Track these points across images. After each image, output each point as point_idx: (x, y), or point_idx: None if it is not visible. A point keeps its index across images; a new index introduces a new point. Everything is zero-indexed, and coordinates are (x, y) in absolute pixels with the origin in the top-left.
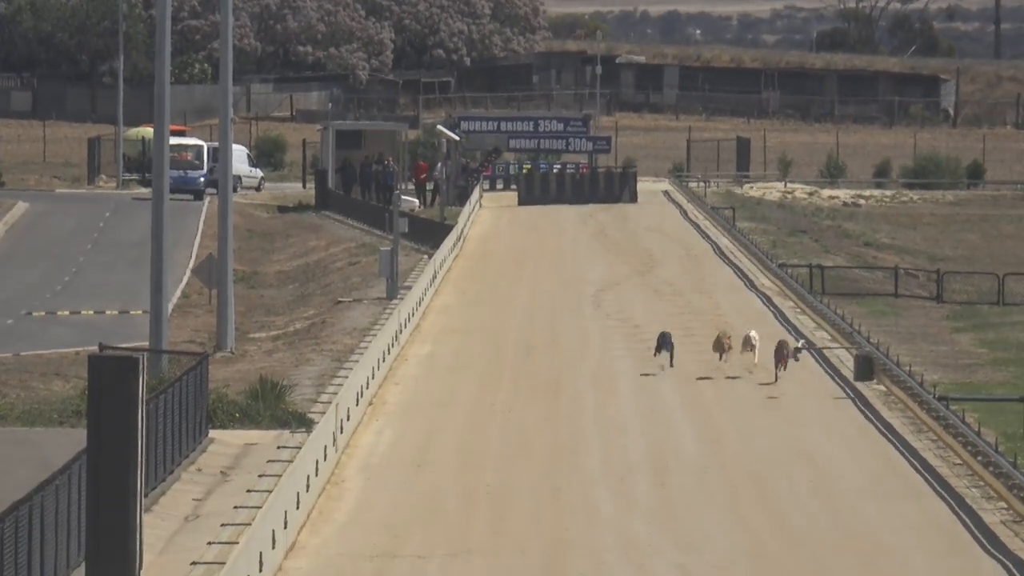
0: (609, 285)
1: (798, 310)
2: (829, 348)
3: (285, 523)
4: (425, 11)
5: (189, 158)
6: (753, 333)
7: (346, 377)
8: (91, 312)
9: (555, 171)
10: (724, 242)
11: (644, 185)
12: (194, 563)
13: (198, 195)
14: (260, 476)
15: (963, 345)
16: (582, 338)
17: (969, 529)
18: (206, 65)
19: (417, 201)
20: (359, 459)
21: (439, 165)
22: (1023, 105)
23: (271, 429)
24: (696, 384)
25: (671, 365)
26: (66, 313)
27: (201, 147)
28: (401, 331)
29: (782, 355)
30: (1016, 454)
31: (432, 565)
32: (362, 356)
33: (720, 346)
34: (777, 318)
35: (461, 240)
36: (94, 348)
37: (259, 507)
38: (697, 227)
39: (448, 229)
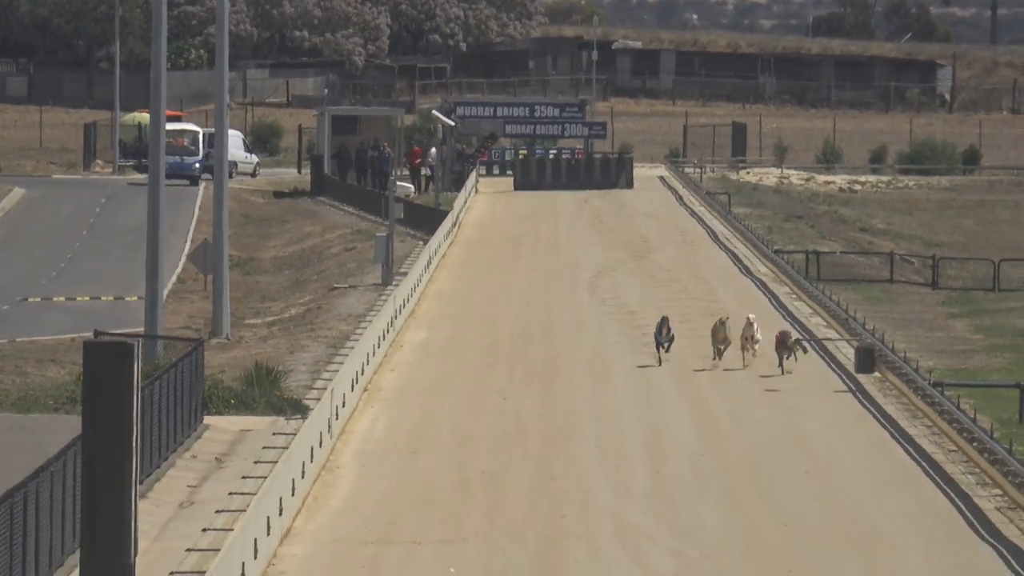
0: (605, 271)
1: (793, 296)
2: (829, 340)
3: (280, 509)
4: None
5: (185, 144)
6: (752, 316)
7: (341, 363)
8: (87, 298)
9: (551, 157)
10: (720, 228)
11: (640, 171)
12: (189, 549)
13: (194, 181)
14: (255, 462)
15: (958, 331)
16: (578, 324)
17: (964, 515)
18: (202, 51)
19: (412, 187)
20: (354, 445)
21: (432, 150)
22: (1019, 90)
23: (266, 415)
24: (694, 376)
25: (667, 351)
26: (62, 299)
27: (197, 133)
28: (396, 317)
29: (785, 345)
30: (1011, 440)
31: (427, 551)
32: (357, 342)
33: (717, 340)
34: (772, 304)
35: (457, 226)
36: (89, 334)
37: (254, 493)
38: (693, 213)
39: (444, 215)
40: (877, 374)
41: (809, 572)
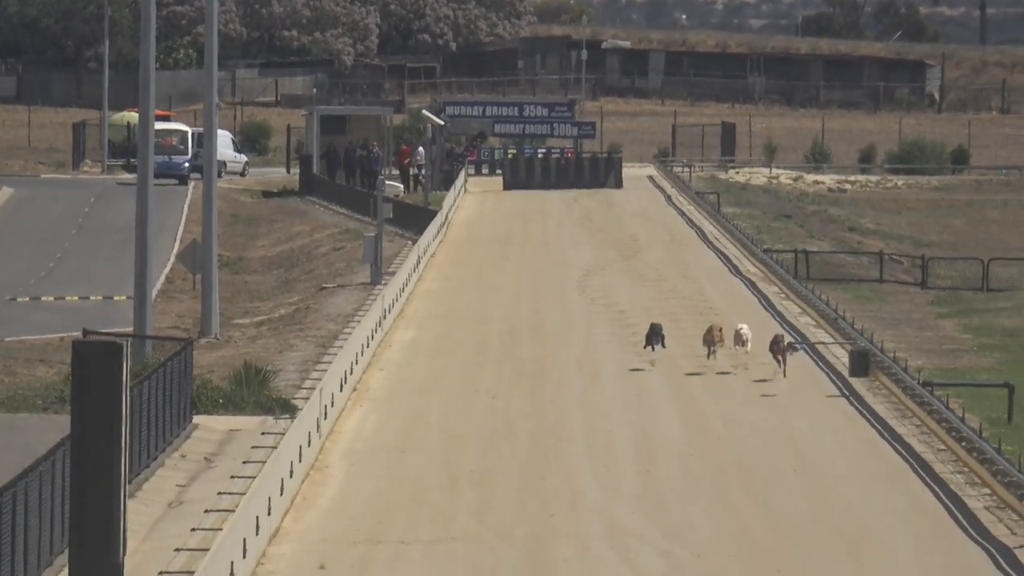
0: (594, 270)
1: (783, 296)
2: (822, 343)
3: (269, 509)
4: None
5: (174, 143)
6: (744, 327)
7: (330, 363)
8: (75, 298)
9: (540, 156)
10: (709, 227)
11: (629, 170)
12: (178, 549)
13: (183, 180)
14: (244, 462)
15: (947, 331)
16: (567, 323)
17: (953, 515)
18: (191, 50)
19: (401, 186)
20: (343, 445)
21: (419, 149)
22: (1008, 90)
23: (255, 415)
24: (685, 380)
25: (662, 345)
26: (50, 299)
27: (186, 132)
28: (385, 317)
29: (779, 348)
30: (1000, 440)
31: (416, 551)
32: (346, 342)
33: (710, 341)
34: (762, 303)
35: (446, 225)
36: (78, 334)
37: (243, 493)
38: (682, 212)
39: (432, 214)
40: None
41: (799, 571)
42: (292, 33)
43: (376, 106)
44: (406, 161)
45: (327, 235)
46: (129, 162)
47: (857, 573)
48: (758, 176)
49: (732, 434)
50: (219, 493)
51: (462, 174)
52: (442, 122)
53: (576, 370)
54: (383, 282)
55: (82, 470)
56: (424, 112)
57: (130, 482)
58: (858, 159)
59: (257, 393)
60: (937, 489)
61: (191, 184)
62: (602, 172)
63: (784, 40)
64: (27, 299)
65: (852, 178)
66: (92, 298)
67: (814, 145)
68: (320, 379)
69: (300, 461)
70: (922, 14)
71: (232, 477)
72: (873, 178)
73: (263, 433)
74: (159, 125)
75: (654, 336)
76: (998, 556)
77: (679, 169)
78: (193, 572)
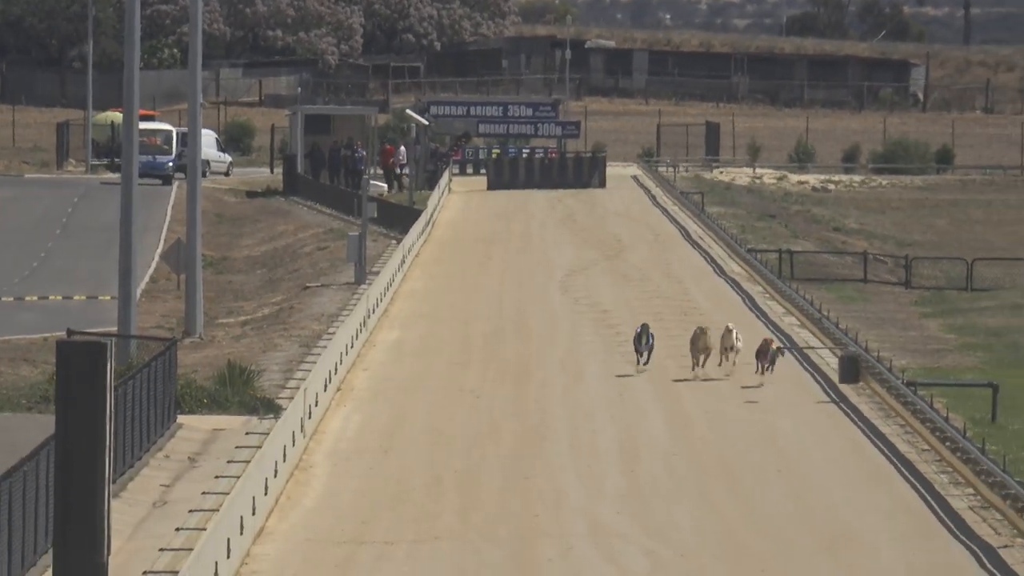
0: (578, 270)
1: (767, 295)
2: (811, 348)
3: (253, 509)
4: None
5: (158, 143)
6: (731, 325)
7: (314, 363)
8: (59, 297)
9: (524, 156)
10: (693, 227)
11: (613, 170)
12: (162, 549)
13: (167, 180)
14: (228, 462)
15: (931, 330)
16: (551, 323)
17: (937, 514)
18: (175, 50)
19: (385, 186)
20: (327, 445)
21: (401, 148)
22: (992, 90)
23: (239, 415)
24: (672, 385)
25: (646, 363)
26: (34, 298)
27: (170, 132)
28: (369, 316)
29: (766, 354)
30: (984, 440)
31: (400, 551)
32: (330, 342)
33: (697, 349)
34: (746, 303)
35: (430, 225)
36: (62, 333)
37: (227, 493)
38: (666, 212)
39: (417, 214)
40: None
41: (782, 571)
42: (276, 33)
43: (360, 106)
44: (390, 161)
45: (311, 235)
46: (113, 162)
47: (841, 573)
48: (742, 176)
49: (715, 433)
50: (203, 493)
51: (446, 174)
52: (426, 122)
53: (560, 370)
54: (367, 282)
55: (66, 470)
56: (408, 112)
57: (114, 482)
58: (842, 159)
59: (241, 393)
60: (921, 489)
61: (175, 184)
62: (586, 172)
63: (768, 40)
64: (11, 299)
65: (836, 178)
66: (76, 298)
67: (798, 145)
68: (304, 379)
69: (284, 461)
70: (906, 14)
71: (216, 477)
72: (857, 178)
73: (247, 433)
74: (143, 125)
75: (643, 337)
76: (982, 556)
77: (663, 169)
78: (177, 572)
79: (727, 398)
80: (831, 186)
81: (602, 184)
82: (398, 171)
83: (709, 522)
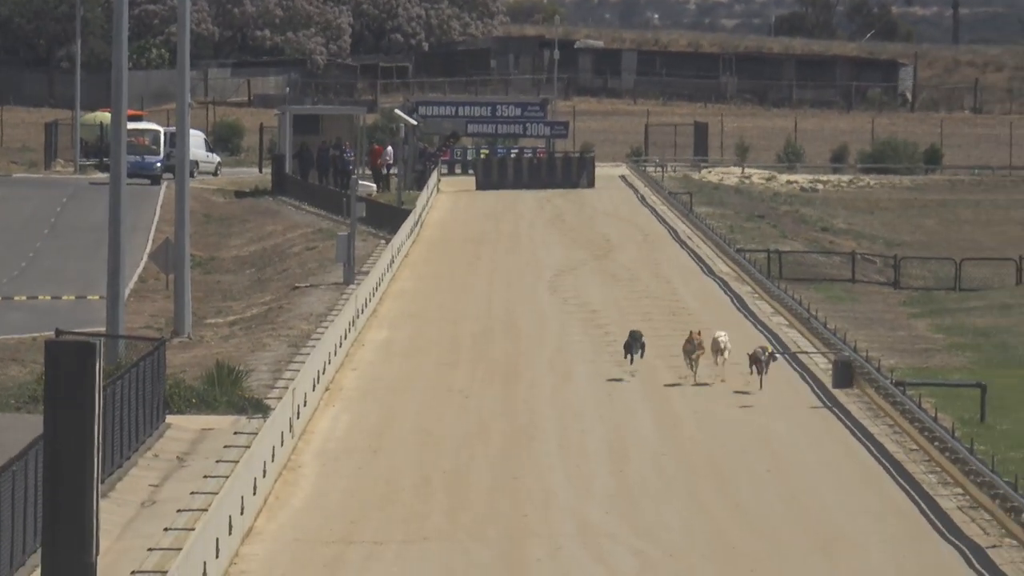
0: (566, 270)
1: (756, 295)
2: (803, 352)
3: (242, 509)
4: None
5: (146, 143)
6: (722, 336)
7: (303, 362)
8: (48, 297)
9: (513, 156)
10: (682, 227)
11: (602, 170)
12: (151, 549)
13: (155, 180)
14: (217, 462)
15: (920, 330)
16: (539, 323)
17: (925, 515)
18: (163, 50)
19: (374, 186)
20: (316, 445)
21: (388, 148)
22: (981, 90)
23: (228, 415)
24: (663, 390)
25: (640, 356)
26: (23, 298)
27: (158, 132)
28: (358, 316)
29: (759, 361)
30: (972, 440)
31: (389, 551)
32: (319, 341)
33: (691, 351)
34: (735, 303)
35: (419, 225)
36: (51, 333)
37: (215, 493)
38: (655, 212)
39: (406, 214)
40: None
41: (772, 571)
42: (264, 33)
43: (349, 106)
44: (378, 161)
45: (300, 234)
46: (101, 162)
47: (830, 573)
48: (731, 176)
49: (705, 434)
50: (192, 493)
51: (435, 174)
52: (415, 122)
53: (549, 370)
54: (356, 282)
55: (55, 470)
56: (397, 112)
57: (103, 482)
58: (830, 159)
59: (230, 393)
60: (910, 489)
61: (164, 184)
62: (574, 172)
63: (756, 40)
64: (0, 299)
65: (824, 178)
66: (65, 298)
67: (786, 145)
68: (293, 379)
69: (273, 461)
70: (894, 14)
71: (205, 477)
72: (846, 178)
73: (236, 433)
74: (131, 125)
75: (634, 344)
76: (971, 556)
77: (652, 169)
78: (166, 572)
79: (717, 398)
80: (819, 186)
81: (591, 184)
82: (384, 171)
83: (698, 522)
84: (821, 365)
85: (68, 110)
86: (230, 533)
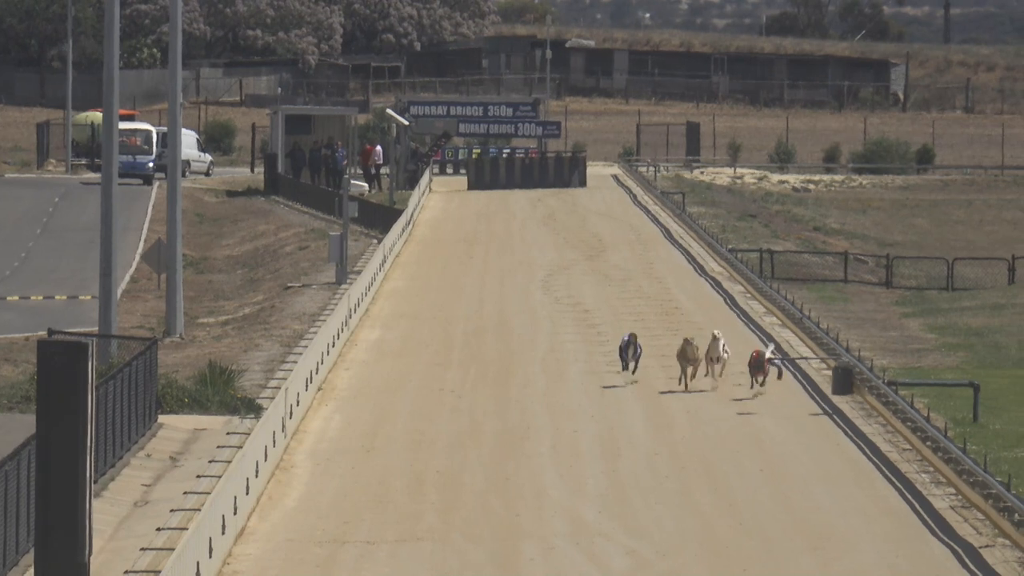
0: (559, 270)
1: (748, 295)
2: (803, 358)
3: (235, 509)
4: None
5: (138, 143)
6: (717, 333)
7: (295, 362)
8: (40, 297)
9: (505, 156)
10: (674, 227)
11: (594, 170)
12: (144, 549)
13: (147, 180)
14: (209, 462)
15: (912, 330)
16: (532, 323)
17: (918, 514)
18: (155, 50)
19: (366, 186)
20: (308, 444)
21: (378, 148)
22: (972, 90)
23: (220, 414)
24: (656, 388)
25: (633, 371)
26: (15, 298)
27: (150, 132)
28: (351, 316)
29: (759, 367)
30: (965, 439)
31: (382, 551)
32: (311, 341)
33: (686, 360)
34: (727, 303)
35: (411, 225)
36: (43, 333)
37: (208, 493)
38: (647, 212)
39: (398, 214)
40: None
41: (764, 571)
42: (256, 32)
43: (341, 106)
44: (370, 161)
45: (292, 234)
46: (93, 162)
47: (822, 573)
48: (723, 176)
49: (698, 433)
50: (185, 493)
51: (427, 174)
52: (407, 122)
53: (541, 370)
54: (348, 281)
55: (47, 469)
56: (389, 112)
57: (96, 481)
58: (822, 158)
59: (222, 393)
60: (903, 489)
61: (156, 184)
62: (567, 172)
63: (748, 39)
64: None
65: (816, 177)
66: (57, 297)
67: (778, 144)
68: (285, 379)
69: (266, 461)
70: (886, 13)
71: (198, 476)
72: (838, 178)
73: (228, 433)
74: (123, 125)
75: (631, 348)
76: (963, 555)
77: (644, 168)
78: (159, 572)
79: (710, 398)
80: (811, 186)
81: (583, 184)
82: (373, 171)
83: (691, 522)
84: (814, 364)
85: (60, 110)
86: (223, 533)
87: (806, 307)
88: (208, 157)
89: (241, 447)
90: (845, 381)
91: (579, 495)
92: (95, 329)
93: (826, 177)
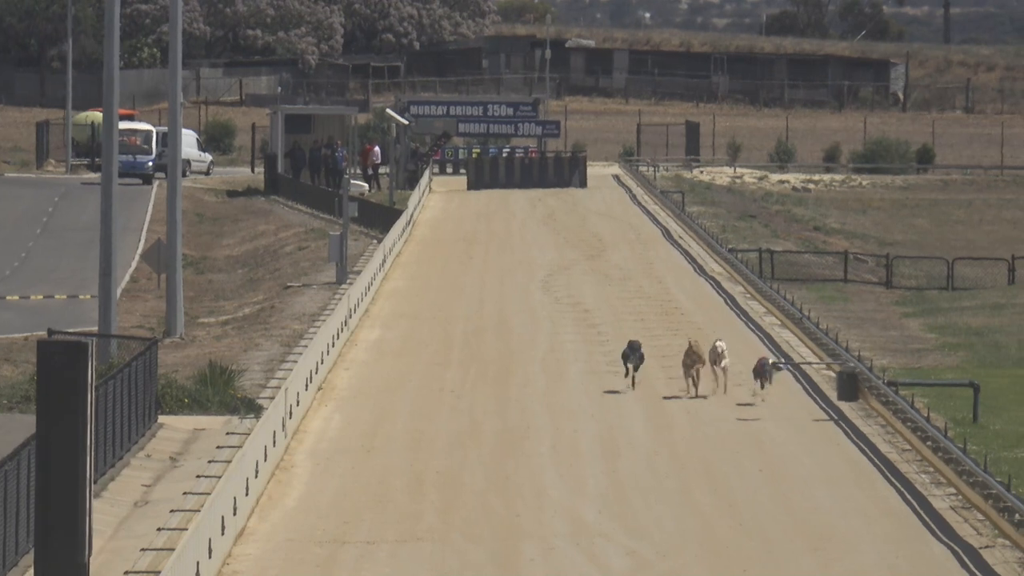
0: (559, 270)
1: (748, 295)
2: (807, 363)
3: (234, 509)
4: None
5: (138, 143)
6: (720, 344)
7: (295, 362)
8: (40, 297)
9: (505, 155)
10: (674, 226)
11: (594, 169)
12: (144, 549)
13: (147, 180)
14: (209, 462)
15: (912, 330)
16: (532, 323)
17: (919, 515)
18: (155, 49)
19: (366, 185)
20: (308, 444)
21: (376, 148)
22: (972, 89)
23: (220, 415)
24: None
25: (635, 370)
26: (15, 298)
27: (150, 131)
28: (351, 316)
29: (763, 373)
30: (965, 440)
31: (382, 551)
32: (311, 341)
33: (688, 366)
34: (728, 303)
35: (411, 224)
36: (43, 333)
37: (208, 493)
38: (647, 211)
39: (398, 213)
40: (832, 373)
41: (764, 571)
42: (256, 32)
43: (340, 105)
44: (368, 160)
45: (292, 234)
46: (93, 161)
47: (823, 573)
48: (722, 175)
49: (698, 434)
50: (185, 493)
51: (427, 173)
52: (406, 121)
53: (541, 369)
54: (348, 281)
55: (47, 469)
56: (388, 111)
57: (95, 482)
58: (822, 158)
59: (222, 393)
60: (903, 489)
61: (155, 183)
62: (566, 171)
63: (748, 39)
64: None
65: (816, 177)
66: (57, 297)
67: (778, 144)
68: (285, 378)
69: (265, 461)
70: (886, 13)
71: (198, 477)
72: (838, 177)
73: (228, 433)
74: (123, 124)
75: (632, 355)
76: (964, 556)
77: (644, 168)
78: (159, 572)
79: (712, 401)
80: (811, 186)
81: (583, 184)
82: (370, 171)
83: (691, 522)
84: (815, 364)
85: (60, 110)
86: (223, 533)
87: (806, 307)
88: (208, 157)
89: (241, 447)
90: (851, 387)
91: (579, 495)
92: (95, 329)
93: (826, 177)
